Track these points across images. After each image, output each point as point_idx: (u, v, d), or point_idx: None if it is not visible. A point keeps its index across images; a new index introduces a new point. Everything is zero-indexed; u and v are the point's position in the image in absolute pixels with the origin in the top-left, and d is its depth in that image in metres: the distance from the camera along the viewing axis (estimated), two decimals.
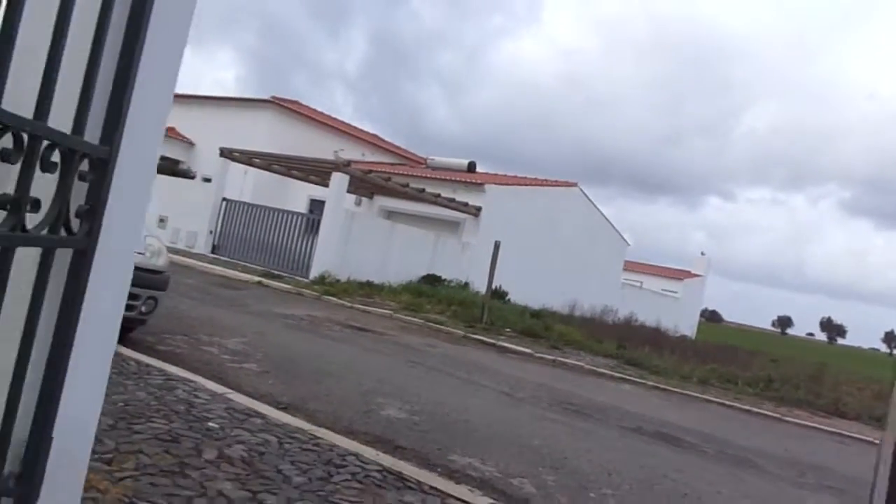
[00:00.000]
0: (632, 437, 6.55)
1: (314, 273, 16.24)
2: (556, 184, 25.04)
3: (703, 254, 40.82)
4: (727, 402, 10.93)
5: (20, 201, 1.37)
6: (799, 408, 12.03)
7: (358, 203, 22.91)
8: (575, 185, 25.72)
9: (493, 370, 9.04)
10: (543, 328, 15.25)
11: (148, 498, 2.61)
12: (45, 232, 1.51)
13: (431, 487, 3.54)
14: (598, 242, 26.90)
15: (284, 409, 4.67)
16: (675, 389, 11.19)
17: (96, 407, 1.98)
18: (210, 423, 3.74)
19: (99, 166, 1.70)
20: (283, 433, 3.88)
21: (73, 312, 1.68)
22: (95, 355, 1.88)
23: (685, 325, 33.21)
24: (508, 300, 19.08)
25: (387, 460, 3.84)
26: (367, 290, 16.13)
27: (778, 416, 10.63)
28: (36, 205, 1.45)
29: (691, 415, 9.05)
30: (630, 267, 34.74)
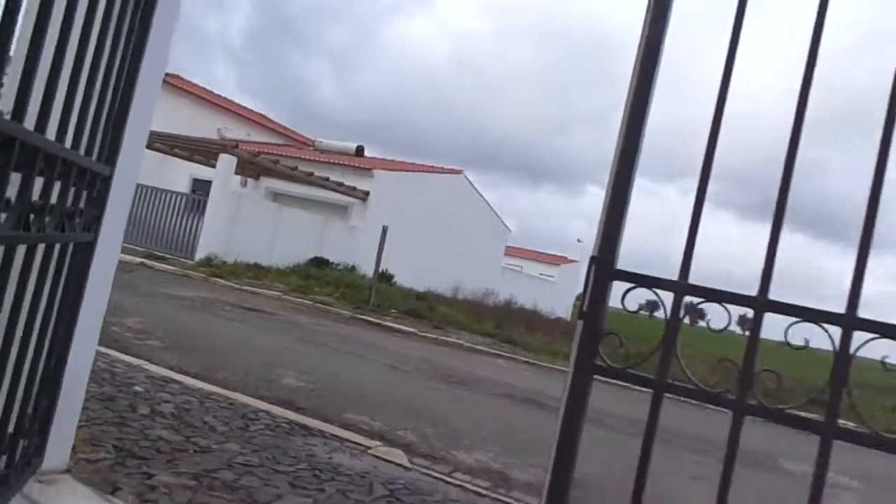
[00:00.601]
0: (502, 402, 7.66)
1: (200, 255, 16.33)
2: (443, 171, 26.14)
3: (579, 241, 43.66)
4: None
5: (61, 210, 2.06)
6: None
7: (243, 184, 22.88)
8: (461, 172, 26.95)
9: (380, 347, 9.91)
10: (427, 309, 16.28)
11: (102, 441, 3.25)
12: (77, 230, 2.20)
13: (332, 434, 4.36)
14: (481, 228, 28.36)
15: (194, 377, 5.29)
16: (545, 364, 12.57)
17: (88, 368, 2.68)
18: (136, 388, 4.34)
19: (105, 182, 2.40)
20: (201, 395, 4.55)
21: (80, 293, 2.36)
22: (92, 325, 2.58)
23: (561, 307, 35.58)
24: (395, 283, 19.97)
25: (293, 416, 4.61)
26: (255, 273, 16.45)
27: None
28: (71, 214, 2.14)
29: (557, 384, 10.38)
30: (511, 252, 36.71)
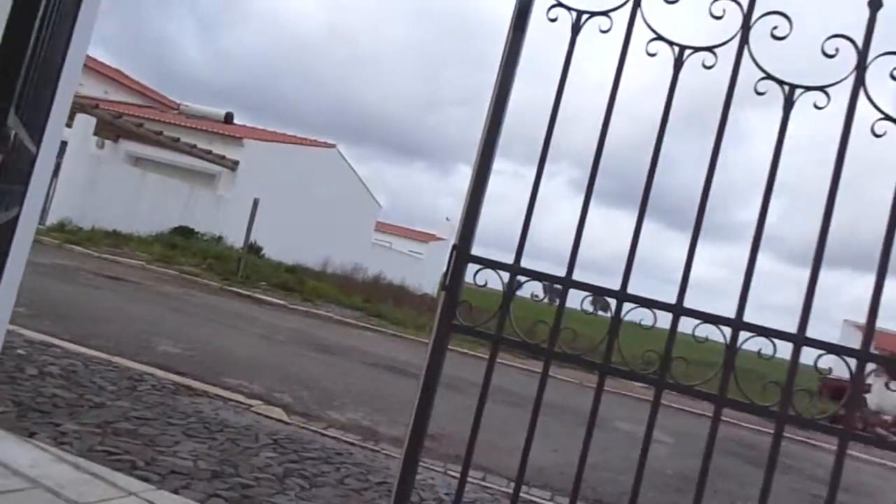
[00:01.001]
0: (369, 369, 8.27)
1: (52, 219, 15.48)
2: (316, 144, 26.11)
3: (447, 219, 45.04)
4: (451, 347, 13.34)
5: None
6: (511, 352, 15.02)
7: (100, 146, 21.65)
8: (334, 146, 27.04)
9: (252, 318, 10.17)
10: (297, 283, 16.52)
11: None
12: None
13: (215, 395, 4.77)
14: (352, 203, 28.66)
15: (70, 342, 5.43)
16: (411, 337, 13.32)
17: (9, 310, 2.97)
18: (18, 351, 4.50)
19: (31, 162, 2.73)
20: (85, 359, 4.77)
21: (8, 250, 2.68)
22: (6, 301, 2.88)
23: (428, 284, 36.71)
24: (263, 255, 19.91)
25: (176, 378, 4.95)
26: (115, 240, 15.86)
27: (482, 355, 13.32)
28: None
29: (421, 355, 11.14)
30: (382, 228, 37.30)
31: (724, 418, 2.34)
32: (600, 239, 2.49)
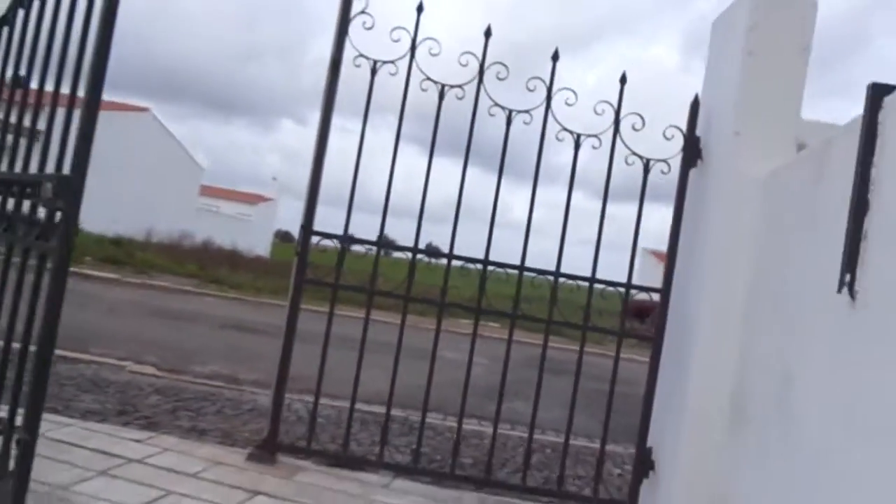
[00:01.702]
0: (218, 330, 9.04)
1: None
2: (128, 108, 24.94)
3: (274, 179, 44.62)
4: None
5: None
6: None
7: None
8: (148, 109, 25.98)
9: (88, 293, 10.37)
10: (126, 255, 16.36)
11: None
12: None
13: (89, 360, 5.45)
14: (172, 168, 27.81)
15: None
16: (251, 299, 14.01)
17: None
18: None
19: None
20: None
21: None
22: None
23: (260, 246, 36.57)
24: (82, 229, 19.15)
25: None
26: None
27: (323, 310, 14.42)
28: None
29: (263, 315, 11.97)
30: (207, 192, 36.28)
31: (531, 341, 3.66)
32: (421, 182, 3.29)
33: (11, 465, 2.10)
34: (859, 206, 1.82)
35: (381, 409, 5.13)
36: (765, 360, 2.59)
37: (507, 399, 4.09)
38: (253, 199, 43.04)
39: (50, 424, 3.30)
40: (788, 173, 2.69)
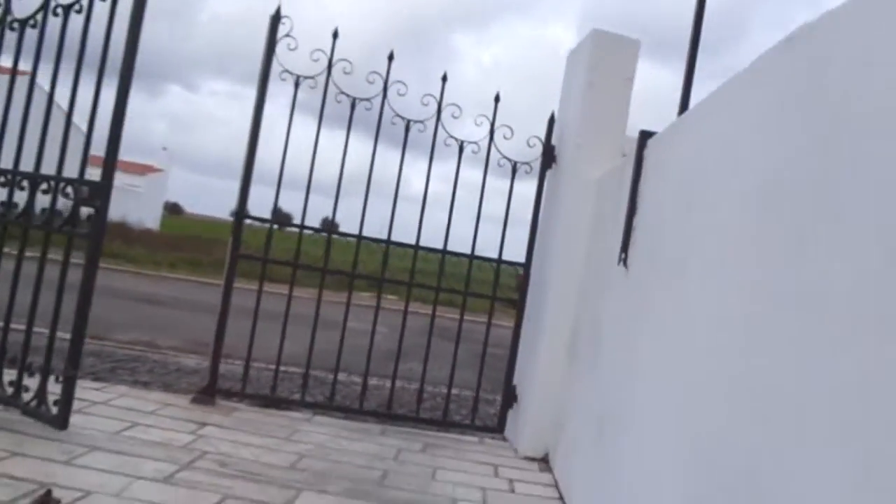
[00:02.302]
0: (127, 302, 9.42)
1: None
2: (5, 70, 23.59)
3: (165, 149, 43.18)
4: (193, 279, 14.54)
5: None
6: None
7: None
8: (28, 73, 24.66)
9: None
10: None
11: None
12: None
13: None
14: (55, 135, 26.57)
15: None
16: (151, 273, 14.19)
17: None
18: None
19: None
20: None
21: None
22: None
23: (150, 218, 35.55)
24: None
25: None
26: None
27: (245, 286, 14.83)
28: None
29: (169, 289, 12.30)
30: (94, 161, 34.69)
31: (426, 312, 4.54)
32: (331, 159, 3.70)
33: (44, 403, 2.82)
34: (631, 208, 2.85)
35: (299, 370, 5.90)
36: (588, 314, 3.64)
37: (405, 360, 5.00)
38: (141, 170, 41.49)
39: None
40: (608, 177, 3.73)
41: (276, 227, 4.36)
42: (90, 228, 2.99)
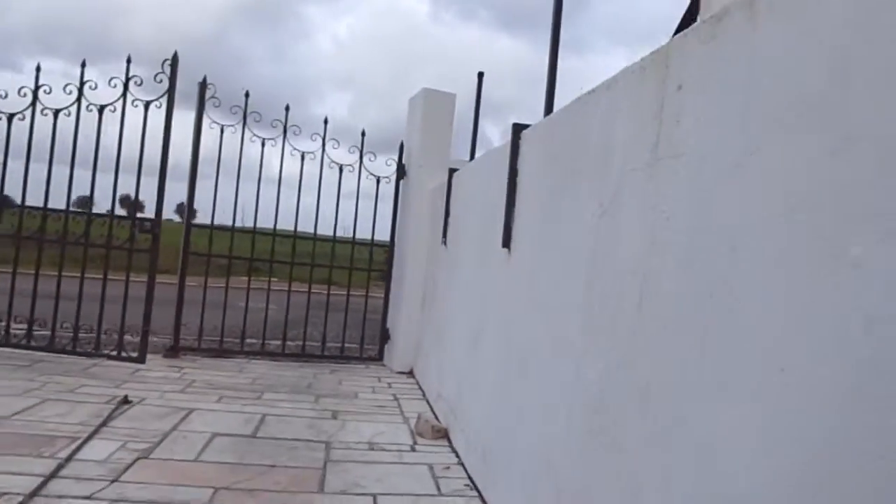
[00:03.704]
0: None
1: None
2: None
3: None
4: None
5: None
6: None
7: None
8: None
9: None
10: None
11: None
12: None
13: None
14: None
15: None
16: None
17: None
18: None
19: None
20: None
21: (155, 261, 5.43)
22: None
23: None
24: None
25: None
26: None
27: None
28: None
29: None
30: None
31: (304, 290, 6.57)
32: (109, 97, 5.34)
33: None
34: (447, 210, 5.08)
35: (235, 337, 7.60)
36: (430, 276, 5.89)
37: (296, 328, 7.00)
38: None
39: None
40: (437, 189, 5.95)
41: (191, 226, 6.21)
42: (150, 246, 4.81)
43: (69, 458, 3.13)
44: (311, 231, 6.48)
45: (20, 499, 2.62)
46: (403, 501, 3.03)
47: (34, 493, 2.70)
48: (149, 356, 5.89)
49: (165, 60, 5.24)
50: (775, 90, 1.31)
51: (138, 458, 3.24)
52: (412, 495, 3.12)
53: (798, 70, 1.25)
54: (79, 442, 3.38)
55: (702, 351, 1.46)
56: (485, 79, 6.59)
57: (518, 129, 3.31)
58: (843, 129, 1.11)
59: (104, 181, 5.23)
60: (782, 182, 1.26)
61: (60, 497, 2.71)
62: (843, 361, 1.05)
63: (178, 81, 5.39)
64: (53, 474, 2.92)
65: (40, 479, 2.83)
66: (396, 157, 6.58)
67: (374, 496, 3.05)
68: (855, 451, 1.01)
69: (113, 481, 2.93)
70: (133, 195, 5.41)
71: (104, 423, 3.73)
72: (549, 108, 3.42)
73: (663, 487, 1.56)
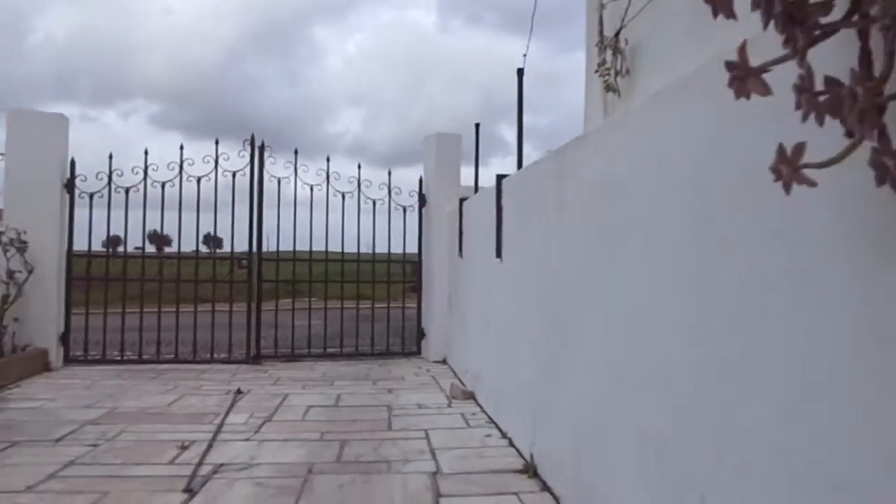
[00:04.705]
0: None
1: None
2: None
3: None
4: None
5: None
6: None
7: None
8: None
9: None
10: None
11: None
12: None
13: None
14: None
15: None
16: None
17: None
18: None
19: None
20: None
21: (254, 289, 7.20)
22: None
23: None
24: None
25: None
26: None
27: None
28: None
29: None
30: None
31: (347, 306, 8.25)
32: (201, 170, 6.94)
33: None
34: (460, 229, 6.71)
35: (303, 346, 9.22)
36: (452, 283, 7.52)
37: (334, 339, 8.64)
38: None
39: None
40: (452, 213, 7.57)
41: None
42: (247, 278, 6.47)
43: (221, 424, 4.79)
44: (349, 253, 8.15)
45: (209, 440, 4.29)
46: (444, 432, 4.63)
47: (213, 439, 4.36)
48: (236, 364, 7.59)
49: (245, 140, 7.05)
50: (597, 175, 2.92)
51: (265, 422, 4.90)
52: (450, 428, 4.73)
53: (603, 166, 2.85)
54: (222, 416, 5.04)
55: (579, 311, 3.05)
56: (495, 80, 8.30)
57: (500, 178, 4.91)
58: (605, 186, 2.72)
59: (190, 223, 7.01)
60: (607, 216, 2.86)
61: (227, 441, 4.36)
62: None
63: (195, 115, 7.12)
64: (218, 431, 4.58)
65: (212, 433, 4.49)
66: (417, 187, 8.22)
67: (426, 430, 4.66)
68: None
69: (255, 432, 4.59)
70: (213, 234, 7.15)
71: (232, 405, 5.41)
72: (519, 164, 5.02)
73: (580, 376, 3.16)
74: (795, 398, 1.48)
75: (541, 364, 3.63)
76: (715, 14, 1.26)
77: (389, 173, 8.08)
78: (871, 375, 1.28)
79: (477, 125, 7.50)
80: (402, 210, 8.14)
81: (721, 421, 1.78)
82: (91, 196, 7.17)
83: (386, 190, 8.05)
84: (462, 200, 6.77)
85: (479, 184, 7.51)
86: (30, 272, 6.60)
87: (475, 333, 5.88)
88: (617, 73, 3.46)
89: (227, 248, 7.75)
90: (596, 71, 3.62)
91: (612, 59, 3.46)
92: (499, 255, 4.90)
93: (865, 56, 1.23)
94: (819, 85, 1.18)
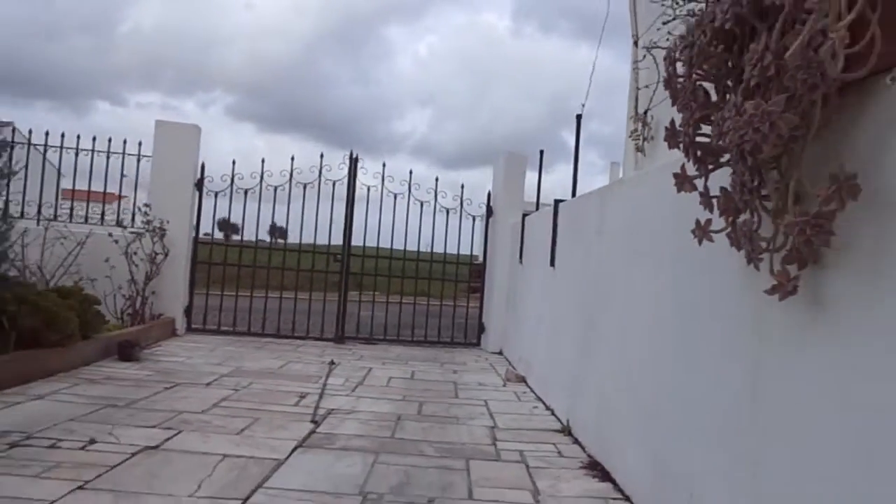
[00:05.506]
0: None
1: None
2: None
3: (125, 175, 46.48)
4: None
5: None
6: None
7: None
8: None
9: None
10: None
11: None
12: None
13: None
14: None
15: None
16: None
17: None
18: None
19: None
20: None
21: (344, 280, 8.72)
22: None
23: None
24: None
25: None
26: None
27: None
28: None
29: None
30: (65, 195, 38.04)
31: (406, 302, 9.56)
32: (269, 162, 8.02)
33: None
34: (521, 239, 7.92)
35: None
36: (511, 286, 8.74)
37: (405, 328, 9.92)
38: (110, 199, 44.74)
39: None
40: (515, 224, 8.78)
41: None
42: (340, 270, 7.85)
43: (325, 385, 6.13)
44: (422, 253, 9.44)
45: (318, 392, 5.64)
46: (499, 403, 5.85)
47: (322, 392, 5.70)
48: (325, 342, 8.99)
49: (345, 154, 8.47)
50: (623, 213, 4.10)
51: (357, 385, 6.21)
52: (505, 401, 5.94)
53: (627, 208, 4.04)
54: (323, 378, 6.39)
55: (604, 309, 4.23)
56: (563, 87, 9.52)
57: (557, 202, 6.09)
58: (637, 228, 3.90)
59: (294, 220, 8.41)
60: (628, 242, 4.04)
61: (332, 396, 5.68)
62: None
63: (269, 108, 8.49)
64: (323, 388, 5.92)
65: (319, 390, 5.83)
66: (485, 199, 9.45)
67: (485, 400, 5.89)
68: None
69: (353, 390, 5.91)
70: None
71: (329, 372, 6.76)
72: (573, 193, 6.19)
73: (604, 357, 4.35)
74: (718, 372, 2.67)
75: (577, 349, 4.81)
76: (669, 147, 2.46)
77: (462, 187, 9.35)
78: (753, 357, 2.46)
79: (541, 152, 8.70)
80: (471, 219, 9.40)
81: (681, 395, 2.96)
82: (216, 194, 8.70)
83: (458, 200, 9.32)
84: (524, 215, 7.97)
85: (541, 199, 8.68)
86: (166, 254, 8.12)
87: (529, 327, 7.07)
88: (644, 140, 4.62)
89: (315, 244, 9.19)
90: (629, 136, 4.77)
91: (641, 129, 4.62)
92: (552, 263, 6.09)
93: (738, 178, 2.41)
94: (715, 190, 2.36)
